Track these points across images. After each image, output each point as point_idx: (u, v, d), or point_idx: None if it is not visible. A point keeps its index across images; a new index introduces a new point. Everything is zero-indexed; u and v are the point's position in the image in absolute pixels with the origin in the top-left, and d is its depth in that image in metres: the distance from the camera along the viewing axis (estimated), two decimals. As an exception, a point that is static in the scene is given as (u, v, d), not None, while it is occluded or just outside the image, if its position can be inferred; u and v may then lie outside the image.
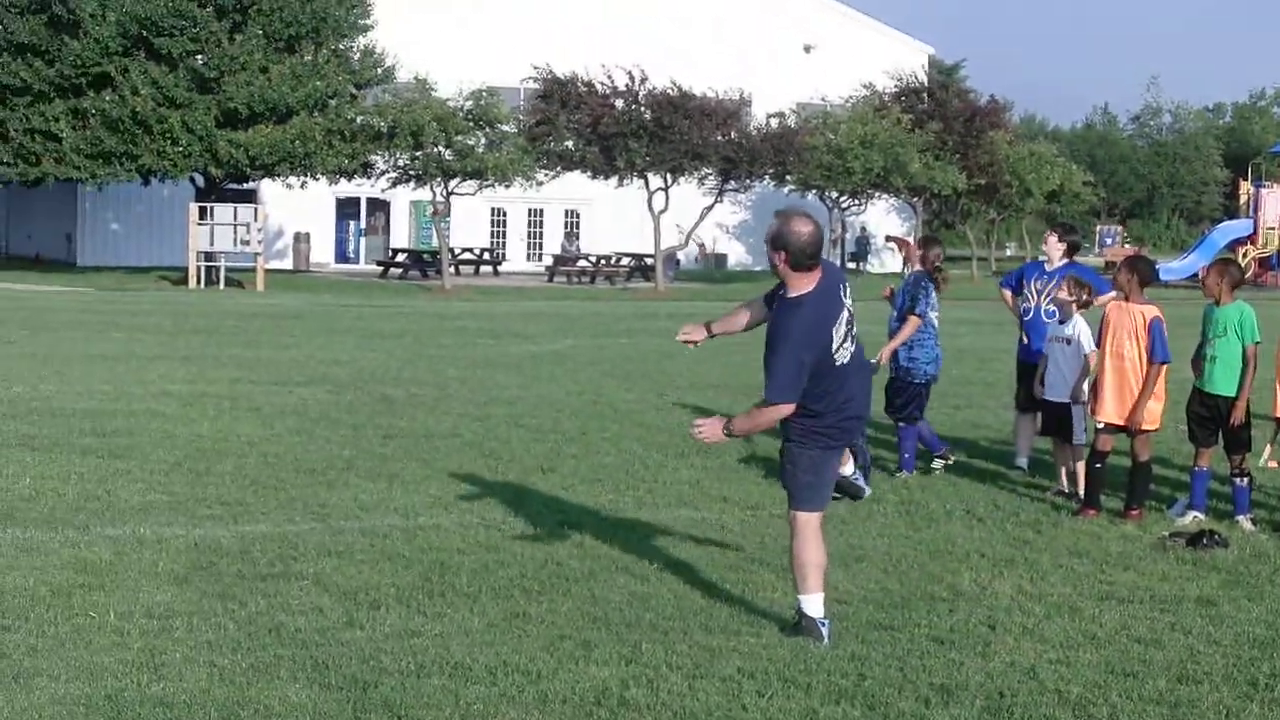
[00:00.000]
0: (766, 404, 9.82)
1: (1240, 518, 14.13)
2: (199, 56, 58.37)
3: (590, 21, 79.73)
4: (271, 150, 57.43)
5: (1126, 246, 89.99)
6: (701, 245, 71.25)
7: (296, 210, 73.16)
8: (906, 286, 16.51)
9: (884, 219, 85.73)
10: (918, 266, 16.63)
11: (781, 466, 10.24)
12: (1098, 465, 14.49)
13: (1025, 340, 16.58)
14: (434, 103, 58.82)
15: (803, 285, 9.83)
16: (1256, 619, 10.76)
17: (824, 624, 9.82)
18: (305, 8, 59.48)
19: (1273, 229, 76.98)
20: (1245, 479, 14.31)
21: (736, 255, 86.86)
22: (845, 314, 9.90)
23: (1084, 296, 15.19)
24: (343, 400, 21.49)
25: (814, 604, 9.83)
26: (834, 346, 9.80)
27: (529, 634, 9.86)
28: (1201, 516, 14.17)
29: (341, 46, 61.56)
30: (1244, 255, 75.35)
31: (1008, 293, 17.20)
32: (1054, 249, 16.55)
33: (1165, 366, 14.33)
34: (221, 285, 56.39)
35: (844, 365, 9.88)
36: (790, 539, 10.00)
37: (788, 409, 9.77)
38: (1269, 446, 14.69)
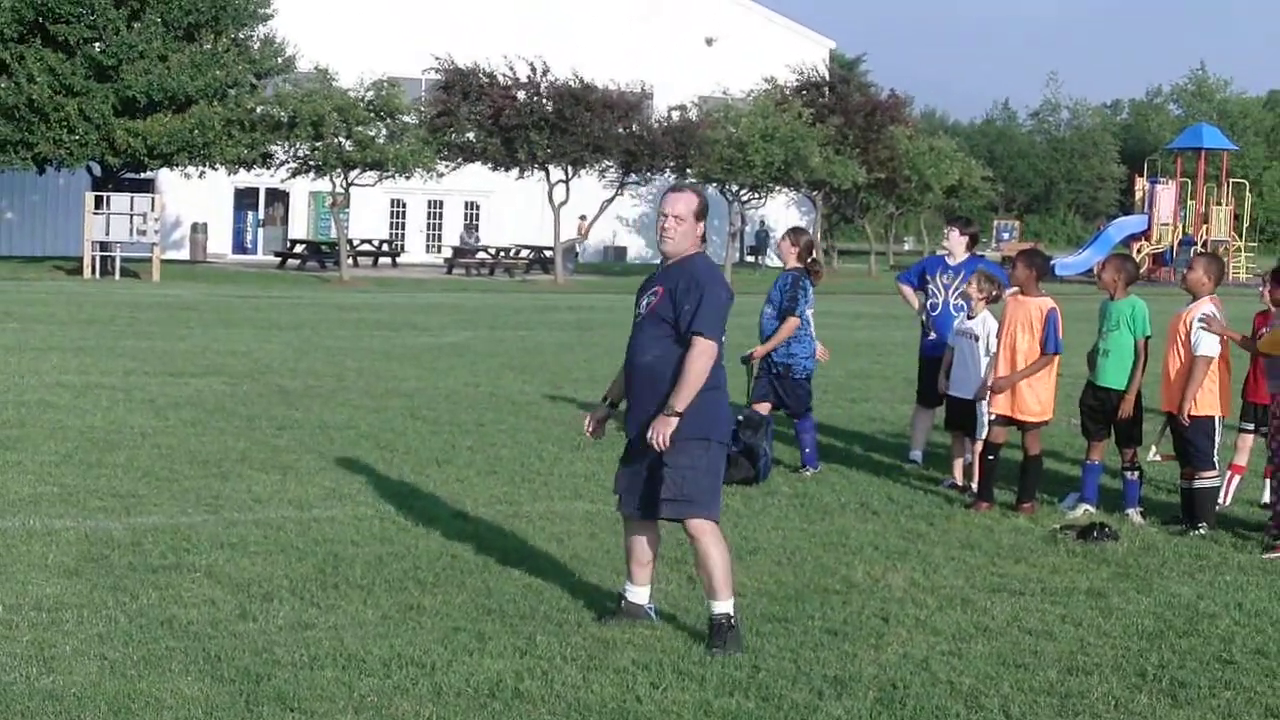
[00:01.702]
0: (696, 346, 9.41)
1: (1130, 510, 14.27)
2: (97, 44, 57.72)
3: (492, 13, 79.57)
4: (170, 139, 56.92)
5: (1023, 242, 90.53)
6: (582, 218, 70.64)
7: (194, 200, 72.70)
8: (784, 285, 16.35)
9: (784, 213, 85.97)
10: (792, 263, 16.44)
11: (675, 475, 9.51)
12: (990, 458, 14.60)
13: (932, 335, 16.60)
14: (335, 93, 58.52)
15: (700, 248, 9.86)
16: (1145, 610, 10.87)
17: (650, 607, 10.15)
18: (205, -5, 59.04)
19: (1167, 225, 77.78)
20: (1136, 472, 14.45)
21: (636, 248, 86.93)
22: None
23: (994, 292, 15.28)
24: (238, 392, 21.35)
25: (732, 608, 9.65)
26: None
27: (423, 626, 9.84)
28: (1093, 509, 14.30)
29: (241, 35, 61.05)
30: (1139, 251, 76.09)
31: (907, 288, 17.16)
32: (957, 244, 16.61)
33: (1057, 358, 14.47)
34: (117, 276, 55.91)
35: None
36: (698, 548, 9.66)
37: (715, 350, 9.47)
38: (1157, 440, 14.82)
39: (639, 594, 10.03)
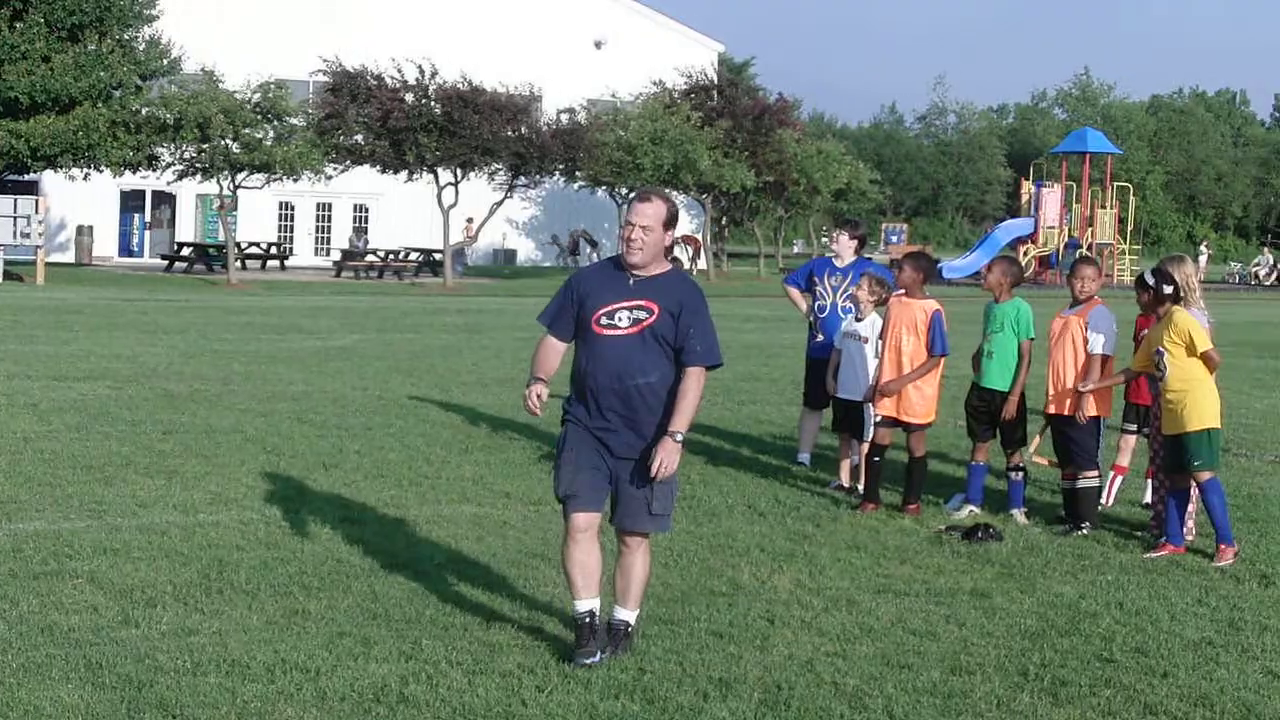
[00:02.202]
0: (700, 375, 9.34)
1: (1014, 511, 14.40)
2: (-23, 45, 57.16)
3: (380, 15, 79.38)
4: (53, 141, 56.38)
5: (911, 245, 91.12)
6: (469, 221, 70.33)
7: (79, 202, 72.08)
8: None
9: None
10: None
11: (663, 490, 9.44)
12: (876, 459, 14.69)
13: (819, 337, 16.65)
14: (221, 95, 58.05)
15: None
16: (1028, 610, 10.97)
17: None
18: (89, -4, 58.49)
19: (1053, 228, 78.44)
20: (1020, 473, 14.58)
21: (526, 251, 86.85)
22: None
23: (882, 294, 15.35)
24: (123, 396, 21.16)
25: (636, 617, 9.69)
26: None
27: (308, 631, 9.79)
28: (977, 510, 14.42)
29: (126, 36, 60.49)
30: (1025, 254, 76.68)
31: (794, 290, 17.19)
32: (845, 247, 16.68)
33: (943, 360, 14.59)
34: (0, 278, 55.28)
35: None
36: (634, 559, 9.59)
37: (705, 375, 9.43)
38: (1036, 439, 14.95)
39: (596, 604, 9.59)
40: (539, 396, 9.46)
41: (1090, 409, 14.04)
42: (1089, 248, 77.56)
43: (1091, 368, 13.93)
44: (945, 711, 8.67)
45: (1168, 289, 13.28)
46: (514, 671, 9.04)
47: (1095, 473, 14.06)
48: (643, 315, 9.30)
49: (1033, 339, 14.45)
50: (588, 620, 9.42)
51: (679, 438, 9.20)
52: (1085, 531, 13.67)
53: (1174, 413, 13.09)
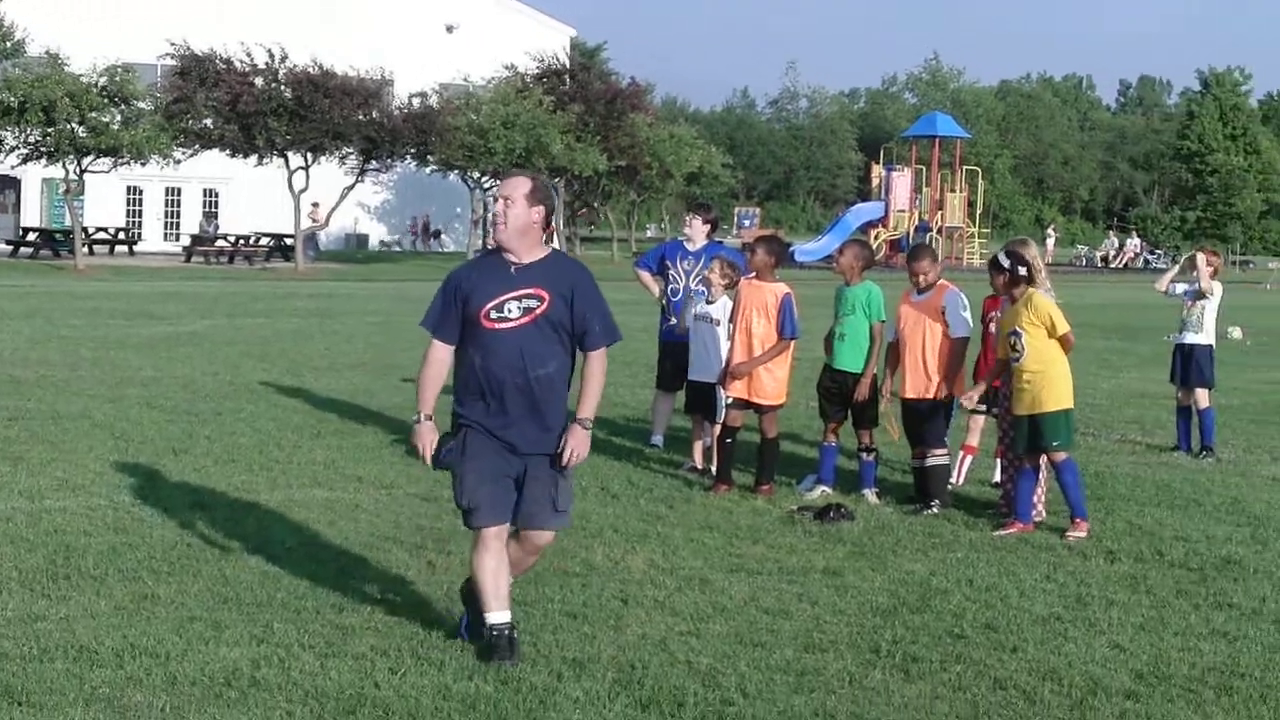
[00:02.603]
0: (601, 359, 9.17)
1: (866, 491, 14.51)
2: None
3: (229, -2, 78.64)
4: (-109, 126, 55.51)
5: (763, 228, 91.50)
6: (314, 205, 69.84)
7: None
8: None
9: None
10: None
11: (565, 485, 9.23)
12: (728, 441, 14.75)
13: (672, 320, 16.66)
14: (67, 78, 57.28)
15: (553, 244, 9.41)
16: (879, 588, 11.05)
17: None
18: (-72, -22, 57.62)
19: (903, 211, 79.18)
20: (871, 454, 14.70)
21: (378, 235, 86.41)
22: None
23: (734, 277, 15.38)
24: (-32, 382, 20.86)
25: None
26: None
27: (158, 616, 9.69)
28: (829, 490, 14.52)
29: (-32, 19, 59.66)
30: (876, 237, 77.30)
31: (646, 274, 17.19)
32: (698, 231, 16.69)
33: (793, 343, 14.67)
34: None
35: None
36: (534, 558, 9.56)
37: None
38: (890, 421, 15.05)
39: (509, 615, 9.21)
40: (430, 445, 9.21)
41: (944, 390, 14.19)
42: (939, 231, 78.40)
43: (955, 352, 14.06)
44: (798, 689, 8.70)
45: (1022, 271, 13.43)
46: (367, 654, 8.99)
47: (945, 451, 14.21)
48: (534, 304, 9.01)
49: (884, 321, 14.58)
50: (506, 633, 9.05)
51: (588, 425, 9.01)
52: (935, 510, 13.80)
53: (1031, 394, 13.24)
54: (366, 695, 8.32)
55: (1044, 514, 13.67)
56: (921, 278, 14.28)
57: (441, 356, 9.21)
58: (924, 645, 9.64)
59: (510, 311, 9.01)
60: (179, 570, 10.83)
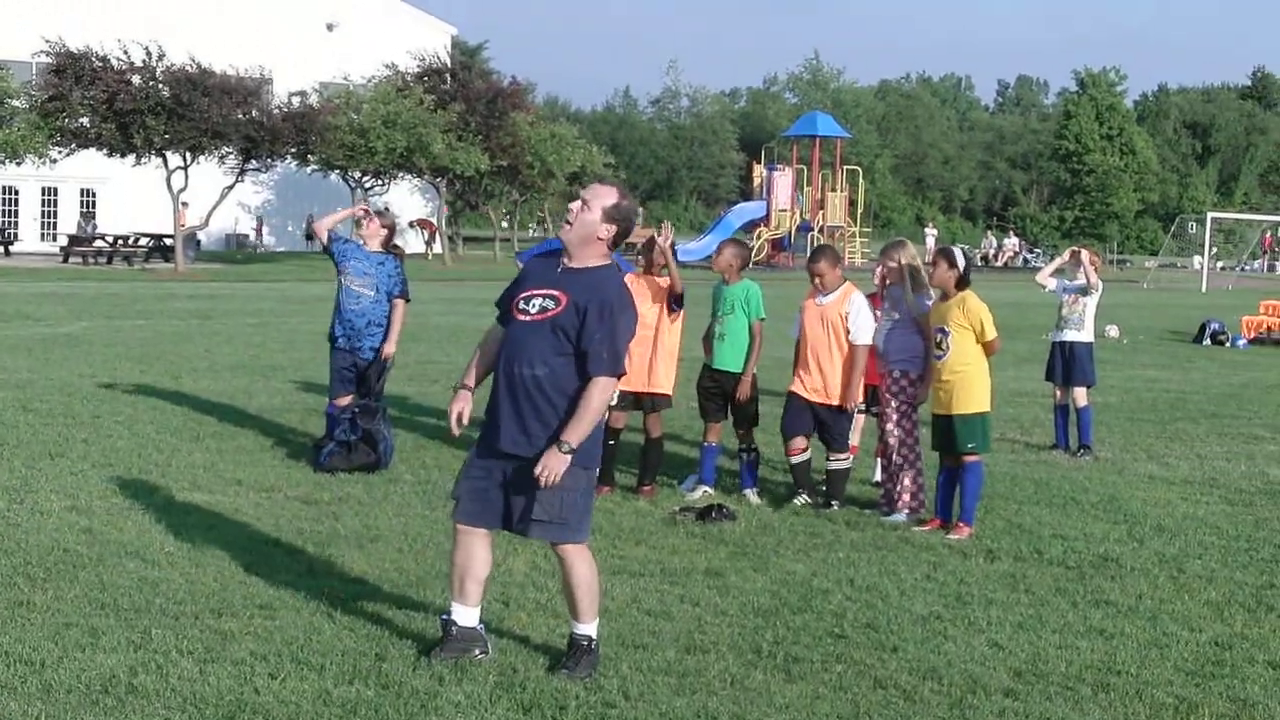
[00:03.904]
0: (601, 383, 8.79)
1: (747, 491, 14.56)
2: None
3: (105, -5, 77.89)
4: None
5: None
6: (260, 222, 69.66)
7: None
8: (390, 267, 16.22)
9: (408, 199, 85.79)
10: (376, 245, 16.26)
11: (552, 497, 8.82)
12: (610, 442, 14.70)
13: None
14: (-61, 76, 56.64)
15: (605, 261, 9.10)
16: (761, 589, 11.09)
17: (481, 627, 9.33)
18: None
19: (785, 210, 79.46)
20: (752, 453, 14.75)
21: (258, 236, 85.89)
22: None
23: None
24: None
25: (595, 628, 9.15)
26: None
27: (33, 622, 9.57)
28: (711, 491, 14.55)
29: None
30: (758, 237, 77.60)
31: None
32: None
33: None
34: None
35: None
36: (567, 571, 9.08)
37: (614, 386, 8.94)
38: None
39: (470, 615, 9.21)
40: (459, 417, 9.13)
41: (858, 398, 14.26)
42: (820, 230, 78.73)
43: (859, 357, 14.05)
44: (680, 690, 8.72)
45: (963, 269, 13.50)
46: (246, 659, 8.92)
47: (847, 455, 14.28)
48: (550, 304, 8.90)
49: (764, 319, 14.63)
50: (445, 627, 9.14)
51: (565, 449, 8.67)
52: (836, 508, 13.91)
53: (948, 394, 13.34)
54: (246, 701, 8.26)
55: (920, 509, 13.80)
56: (818, 280, 14.25)
57: (494, 334, 9.24)
58: (805, 645, 9.68)
59: (532, 306, 8.98)
60: (55, 576, 10.71)
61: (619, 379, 8.95)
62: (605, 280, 8.98)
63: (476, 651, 9.12)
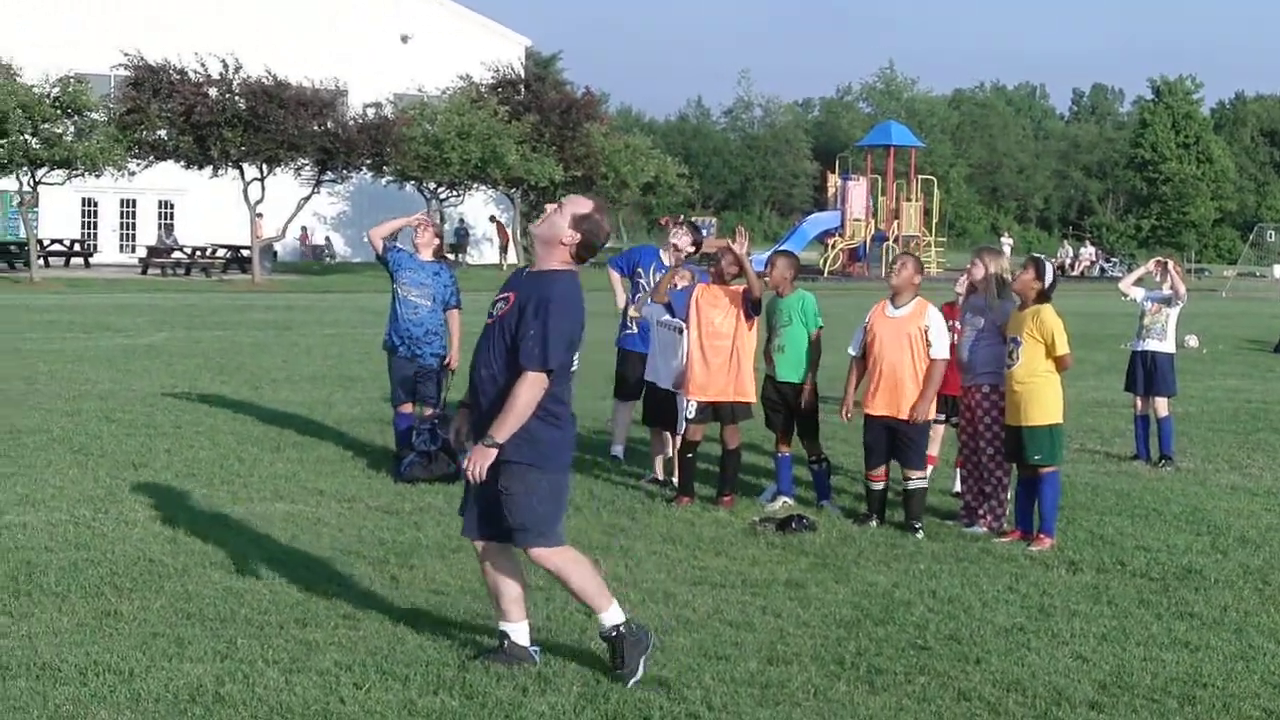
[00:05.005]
0: (525, 378, 8.77)
1: (824, 502, 14.52)
2: None
3: (183, 8, 78.35)
4: None
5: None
6: (303, 231, 70.27)
7: None
8: (445, 277, 16.35)
9: (482, 210, 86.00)
10: (430, 255, 16.33)
11: (510, 502, 8.93)
12: (689, 455, 14.72)
13: (633, 329, 16.59)
14: (19, 89, 56.96)
15: (567, 266, 9.11)
16: (843, 600, 11.07)
17: (534, 649, 9.31)
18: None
19: (859, 220, 79.25)
20: (822, 464, 14.71)
21: (335, 246, 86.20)
22: None
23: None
24: (-76, 396, 20.77)
25: (614, 615, 9.13)
26: (578, 350, 9.14)
27: (120, 632, 9.66)
28: (790, 501, 14.52)
29: (-80, 30, 59.34)
30: (833, 246, 77.47)
31: (615, 274, 16.97)
32: (684, 244, 16.43)
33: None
34: None
35: (572, 375, 9.15)
36: (553, 575, 9.23)
37: (543, 382, 8.80)
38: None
39: (521, 632, 9.26)
40: (457, 432, 9.37)
41: (932, 412, 14.12)
42: (895, 240, 78.50)
43: (938, 372, 13.89)
44: (763, 701, 8.72)
45: (1048, 282, 13.44)
46: (331, 669, 8.97)
47: (925, 473, 14.11)
48: (502, 305, 9.06)
49: (822, 327, 14.62)
50: (500, 636, 9.27)
51: (489, 442, 8.76)
52: (919, 532, 13.64)
53: (1016, 405, 13.26)
54: (332, 711, 8.31)
55: (1002, 521, 13.71)
56: (903, 290, 14.04)
57: None
58: (888, 657, 9.66)
59: (494, 308, 9.12)
60: (141, 586, 10.79)
61: (549, 376, 8.85)
62: (553, 281, 9.02)
63: (525, 666, 9.13)
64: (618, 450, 17.05)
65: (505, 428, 8.78)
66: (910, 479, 13.92)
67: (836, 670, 9.35)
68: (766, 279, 14.96)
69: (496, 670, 9.02)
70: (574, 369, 9.11)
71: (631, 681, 8.92)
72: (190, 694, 8.48)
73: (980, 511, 13.92)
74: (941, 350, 13.87)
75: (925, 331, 13.83)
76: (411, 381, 16.08)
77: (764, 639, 9.98)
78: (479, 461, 8.78)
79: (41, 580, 10.87)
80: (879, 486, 14.08)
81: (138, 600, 10.43)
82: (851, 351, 14.33)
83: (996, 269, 14.09)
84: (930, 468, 15.55)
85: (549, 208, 9.17)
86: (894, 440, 13.99)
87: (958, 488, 14.86)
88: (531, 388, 8.80)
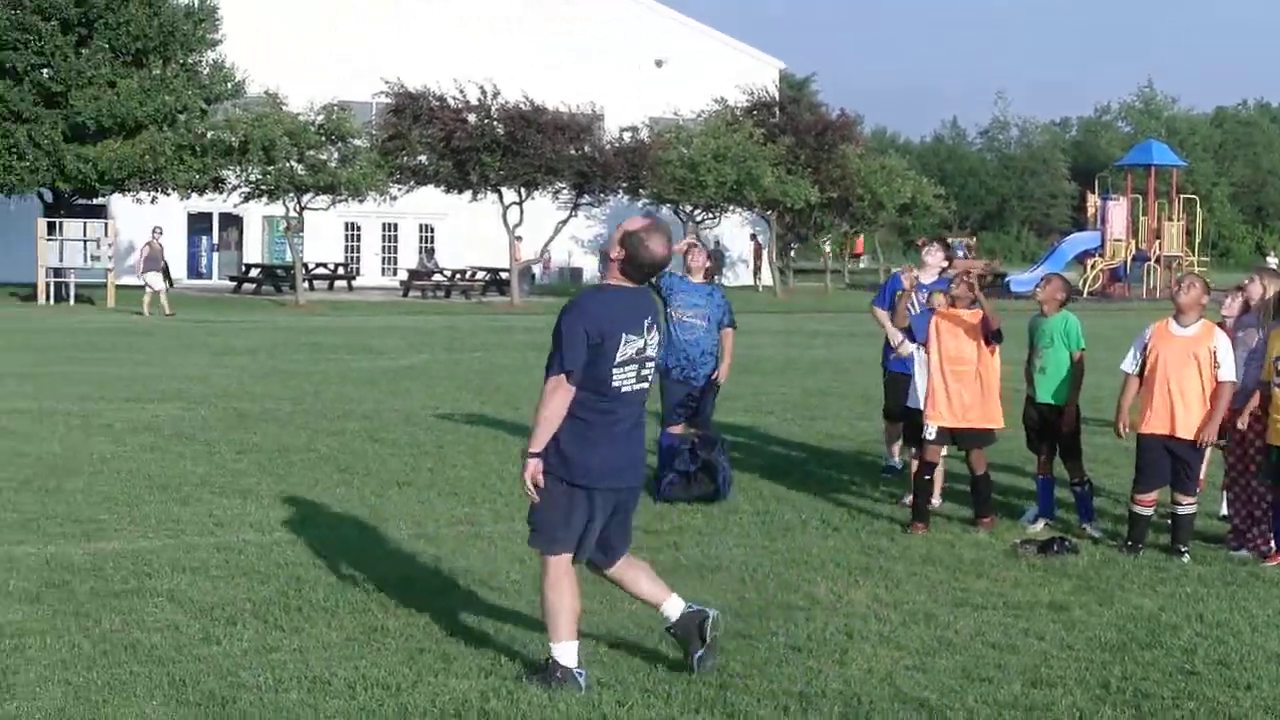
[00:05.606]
0: (545, 385, 8.98)
1: (1086, 525, 14.31)
2: (45, 70, 57.58)
3: (442, 36, 79.55)
4: (120, 165, 56.67)
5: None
6: (546, 256, 71.04)
7: (147, 225, 72.30)
8: (718, 298, 16.42)
9: (738, 232, 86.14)
10: (701, 278, 16.39)
11: (532, 506, 9.20)
12: (926, 478, 14.52)
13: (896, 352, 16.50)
14: (285, 117, 58.34)
15: (616, 282, 9.22)
16: (1107, 623, 10.91)
17: (580, 674, 9.09)
18: (153, 22, 58.77)
19: (1120, 240, 78.08)
20: (1084, 486, 14.49)
21: (592, 269, 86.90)
22: (642, 343, 9.15)
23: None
24: (196, 416, 21.29)
25: (565, 652, 9.10)
26: (616, 359, 9.02)
27: (387, 647, 9.83)
28: (1051, 523, 14.35)
29: (190, 60, 60.88)
30: (1093, 267, 76.42)
31: (882, 312, 16.76)
32: (936, 259, 16.36)
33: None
34: (72, 301, 55.68)
35: (623, 394, 9.09)
36: (541, 584, 9.32)
37: (568, 389, 8.90)
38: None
39: (568, 652, 9.18)
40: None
41: (1207, 435, 13.63)
42: (1157, 260, 77.27)
43: (1226, 394, 13.44)
44: (1027, 724, 8.64)
45: None
46: (594, 686, 9.04)
47: (1195, 498, 13.65)
48: None
49: (1084, 349, 14.40)
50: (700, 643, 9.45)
51: (528, 453, 9.04)
52: (1186, 558, 13.28)
53: (1277, 426, 12.90)
54: (594, 727, 8.37)
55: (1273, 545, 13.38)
56: (1189, 309, 13.59)
57: None
58: (1155, 682, 9.50)
59: None
60: (407, 602, 10.96)
61: (569, 380, 8.93)
62: (581, 292, 9.29)
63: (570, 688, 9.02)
64: (894, 462, 17.11)
65: (535, 438, 9.01)
66: (1181, 503, 13.50)
67: (1102, 694, 9.22)
68: (1035, 297, 14.84)
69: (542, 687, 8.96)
70: (632, 388, 9.15)
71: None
72: (456, 709, 8.60)
73: (1249, 535, 13.63)
74: (1230, 372, 13.37)
75: (1214, 353, 13.45)
76: (685, 402, 16.14)
77: (1027, 662, 9.88)
78: (524, 474, 9.02)
79: (311, 596, 11.10)
80: (1146, 512, 13.63)
81: (404, 616, 10.60)
82: (1126, 369, 13.99)
83: (1277, 289, 13.73)
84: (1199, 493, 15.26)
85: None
86: (1171, 463, 13.60)
87: (1225, 510, 14.55)
88: (553, 394, 8.97)
